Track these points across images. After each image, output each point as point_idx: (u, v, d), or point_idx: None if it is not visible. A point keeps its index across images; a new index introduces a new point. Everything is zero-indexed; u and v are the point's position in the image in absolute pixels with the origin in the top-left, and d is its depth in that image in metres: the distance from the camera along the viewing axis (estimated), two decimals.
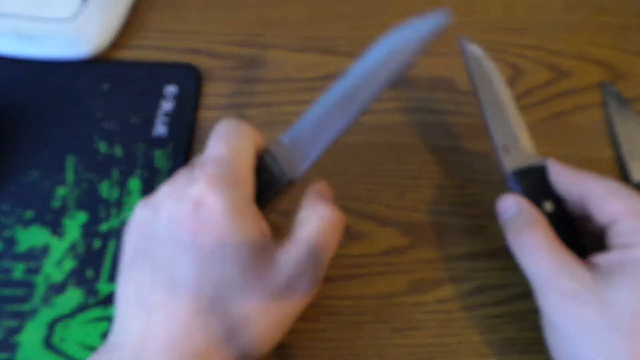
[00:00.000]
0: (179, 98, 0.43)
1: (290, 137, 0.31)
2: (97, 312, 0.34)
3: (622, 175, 0.40)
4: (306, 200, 0.30)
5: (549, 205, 0.31)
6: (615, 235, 0.29)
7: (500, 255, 0.36)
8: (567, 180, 0.31)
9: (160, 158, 0.40)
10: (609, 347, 0.26)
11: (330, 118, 0.30)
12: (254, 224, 0.27)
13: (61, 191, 0.39)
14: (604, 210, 0.29)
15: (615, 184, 0.30)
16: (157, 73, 0.44)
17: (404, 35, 0.31)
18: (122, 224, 0.38)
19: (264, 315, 0.26)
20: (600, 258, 0.29)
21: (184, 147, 0.41)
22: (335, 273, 0.34)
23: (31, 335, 0.34)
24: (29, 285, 0.35)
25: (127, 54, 0.46)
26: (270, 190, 0.29)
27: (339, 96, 0.31)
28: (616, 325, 0.26)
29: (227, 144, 0.28)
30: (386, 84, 0.31)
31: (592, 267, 0.28)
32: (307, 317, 0.34)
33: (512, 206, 0.31)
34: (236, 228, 0.26)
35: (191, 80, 0.44)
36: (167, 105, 0.43)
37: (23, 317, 0.34)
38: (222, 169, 0.27)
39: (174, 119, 0.42)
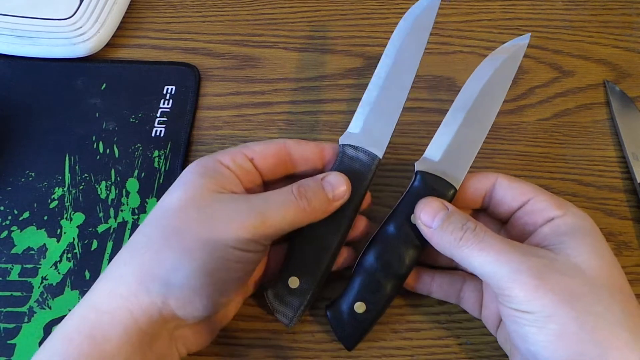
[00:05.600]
0: (177, 98, 0.43)
1: (358, 127, 0.33)
2: None
3: (625, 175, 0.40)
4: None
5: None
6: (532, 212, 0.30)
7: None
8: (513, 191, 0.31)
9: (158, 158, 0.40)
10: (603, 306, 0.26)
11: (388, 101, 0.34)
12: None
13: (59, 192, 0.38)
14: (514, 195, 0.31)
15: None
16: (155, 72, 0.44)
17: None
18: (120, 225, 0.37)
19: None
20: (538, 236, 0.29)
21: (182, 148, 0.40)
22: (334, 274, 0.33)
23: (28, 338, 0.33)
24: (25, 287, 0.35)
25: (125, 54, 0.46)
26: (367, 174, 0.32)
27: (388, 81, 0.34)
28: (601, 286, 0.26)
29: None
30: None
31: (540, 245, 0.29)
32: (308, 319, 0.34)
33: (437, 210, 0.30)
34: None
35: (190, 80, 0.44)
36: (165, 105, 0.43)
37: (20, 319, 0.34)
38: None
39: (172, 118, 0.42)
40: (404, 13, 0.35)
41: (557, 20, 0.48)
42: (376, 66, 0.34)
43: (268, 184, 0.33)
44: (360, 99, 0.43)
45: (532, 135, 0.42)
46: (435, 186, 0.31)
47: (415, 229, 0.31)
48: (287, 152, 0.32)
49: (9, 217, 0.37)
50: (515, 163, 0.40)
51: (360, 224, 0.34)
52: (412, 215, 0.31)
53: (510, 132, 0.42)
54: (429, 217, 0.30)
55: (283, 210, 0.29)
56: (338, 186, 0.30)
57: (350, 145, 0.32)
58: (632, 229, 0.38)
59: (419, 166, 0.32)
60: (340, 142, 0.33)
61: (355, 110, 0.33)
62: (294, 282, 0.31)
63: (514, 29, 0.47)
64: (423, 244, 0.31)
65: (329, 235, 0.31)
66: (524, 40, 0.35)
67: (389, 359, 0.33)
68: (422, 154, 0.33)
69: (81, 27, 0.44)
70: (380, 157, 0.32)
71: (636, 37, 0.47)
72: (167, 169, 0.40)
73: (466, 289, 0.33)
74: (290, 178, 0.33)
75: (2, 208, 0.38)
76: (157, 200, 0.38)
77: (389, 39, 0.36)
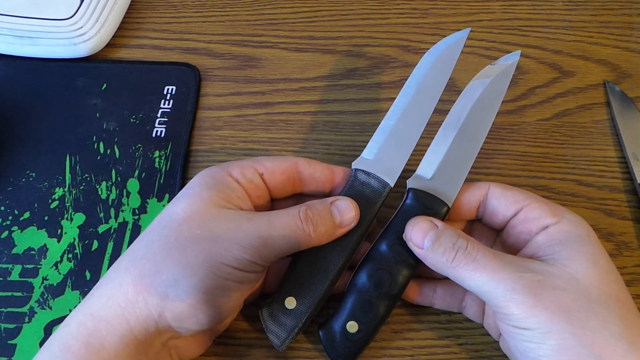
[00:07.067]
0: (178, 98, 0.43)
1: (372, 154, 0.33)
2: None
3: (625, 175, 0.40)
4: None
5: None
6: (526, 221, 0.30)
7: None
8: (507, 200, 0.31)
9: (159, 159, 0.40)
10: (599, 320, 0.26)
11: (406, 130, 0.33)
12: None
13: (59, 192, 0.38)
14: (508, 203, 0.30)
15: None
16: (156, 73, 0.44)
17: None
18: (121, 225, 0.37)
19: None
20: (533, 246, 0.29)
21: (183, 148, 0.40)
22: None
23: (28, 338, 0.33)
24: (26, 287, 0.35)
25: (125, 54, 0.46)
26: (377, 200, 0.32)
27: (408, 109, 0.34)
28: (597, 297, 0.26)
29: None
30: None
31: (533, 257, 0.29)
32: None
33: (427, 230, 0.29)
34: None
35: (191, 80, 0.44)
36: (166, 106, 0.43)
37: (20, 319, 0.34)
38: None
39: (173, 119, 0.42)
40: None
41: (557, 20, 0.48)
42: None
43: (275, 201, 0.33)
44: (360, 99, 0.43)
45: (532, 135, 0.42)
46: (428, 204, 0.31)
47: (407, 247, 0.30)
48: (297, 171, 0.32)
49: (10, 217, 0.37)
50: (515, 163, 0.40)
51: (363, 249, 0.33)
52: (404, 234, 0.30)
53: (510, 132, 0.42)
54: (419, 237, 0.29)
55: (286, 233, 0.28)
56: (347, 212, 0.30)
57: (362, 171, 0.32)
58: (632, 229, 0.38)
59: (411, 183, 0.32)
60: (352, 167, 0.32)
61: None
62: (290, 302, 0.31)
63: (514, 29, 0.48)
64: (417, 262, 0.31)
65: (333, 259, 0.31)
66: (514, 57, 0.35)
67: (389, 359, 0.33)
68: (419, 159, 0.33)
69: (82, 27, 0.44)
70: (392, 185, 0.32)
71: (636, 37, 0.47)
72: (167, 169, 0.40)
73: (468, 298, 0.33)
74: (298, 196, 0.33)
75: (2, 208, 0.38)
76: (158, 201, 0.39)
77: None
